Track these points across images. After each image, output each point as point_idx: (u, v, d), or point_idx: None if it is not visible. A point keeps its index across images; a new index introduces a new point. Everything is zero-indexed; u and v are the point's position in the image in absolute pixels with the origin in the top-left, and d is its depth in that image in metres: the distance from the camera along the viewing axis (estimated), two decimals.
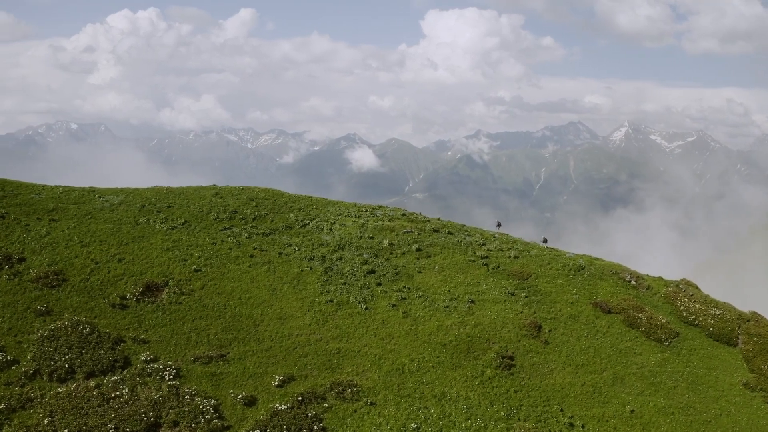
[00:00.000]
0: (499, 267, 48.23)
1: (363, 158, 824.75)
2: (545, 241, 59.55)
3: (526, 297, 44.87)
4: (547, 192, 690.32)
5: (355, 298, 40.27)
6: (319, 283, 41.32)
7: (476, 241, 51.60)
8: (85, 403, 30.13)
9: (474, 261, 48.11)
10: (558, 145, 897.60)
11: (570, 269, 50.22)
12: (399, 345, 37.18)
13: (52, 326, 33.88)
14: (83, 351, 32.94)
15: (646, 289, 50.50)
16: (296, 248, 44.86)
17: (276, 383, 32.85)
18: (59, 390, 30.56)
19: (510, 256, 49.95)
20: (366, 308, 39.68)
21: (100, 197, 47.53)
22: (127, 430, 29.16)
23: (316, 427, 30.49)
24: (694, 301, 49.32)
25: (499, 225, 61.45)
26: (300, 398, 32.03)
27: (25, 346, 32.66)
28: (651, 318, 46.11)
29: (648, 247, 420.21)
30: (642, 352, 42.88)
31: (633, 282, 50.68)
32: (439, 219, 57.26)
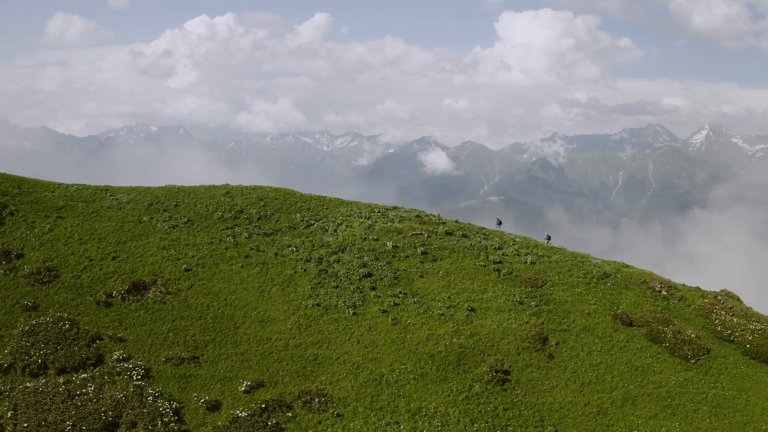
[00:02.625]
0: (511, 273, 45.23)
1: (437, 161, 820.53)
2: (548, 238, 56.01)
3: (536, 306, 41.72)
4: (624, 196, 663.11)
5: (344, 302, 38.65)
6: (310, 286, 39.99)
7: (492, 245, 48.71)
8: (50, 399, 30.11)
9: (485, 266, 45.34)
10: (636, 147, 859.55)
11: (593, 277, 46.46)
12: (382, 354, 35.23)
13: (33, 321, 34.26)
14: (58, 347, 33.08)
15: (679, 300, 45.96)
16: (294, 249, 43.73)
17: (243, 389, 31.76)
18: (28, 385, 30.71)
19: (526, 262, 46.78)
20: (354, 314, 37.97)
21: (111, 196, 48.27)
22: (84, 428, 28.85)
23: None
24: (732, 315, 44.40)
25: (499, 223, 58.01)
26: (264, 406, 30.76)
27: (6, 340, 33.17)
28: (678, 332, 41.80)
29: (724, 252, 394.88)
30: (662, 370, 38.83)
31: (664, 292, 46.28)
32: (457, 221, 54.63)
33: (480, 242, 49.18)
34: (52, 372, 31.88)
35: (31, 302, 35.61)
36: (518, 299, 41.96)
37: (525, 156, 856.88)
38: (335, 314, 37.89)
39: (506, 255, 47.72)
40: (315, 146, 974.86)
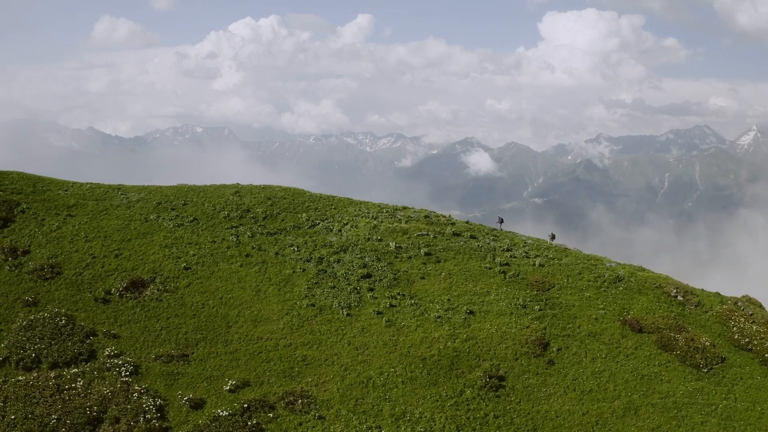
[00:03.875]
0: (518, 275, 43.99)
1: (480, 162, 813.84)
2: (553, 237, 54.33)
3: (540, 310, 40.42)
4: (670, 198, 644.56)
5: (339, 303, 38.22)
6: (307, 286, 39.72)
7: (501, 247, 47.48)
8: (39, 393, 30.66)
9: (490, 268, 44.21)
10: (683, 149, 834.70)
11: (604, 281, 44.79)
12: (372, 356, 34.64)
13: (32, 317, 34.96)
14: (53, 342, 33.67)
15: (695, 305, 43.87)
16: (296, 249, 43.56)
17: (228, 388, 31.68)
18: (20, 378, 31.30)
19: (534, 264, 45.43)
20: (348, 314, 37.50)
21: (122, 194, 49.09)
22: (69, 422, 29.25)
23: None
24: (752, 322, 42.08)
25: (501, 221, 56.43)
26: (246, 405, 30.59)
27: (5, 334, 33.91)
28: (691, 340, 39.86)
29: None
30: (671, 379, 37.06)
31: (680, 297, 44.24)
32: (467, 222, 53.55)
33: (489, 243, 48.03)
34: (44, 366, 32.45)
35: (32, 298, 36.38)
36: (521, 302, 40.75)
37: (569, 157, 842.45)
38: (329, 315, 37.51)
39: (515, 257, 46.46)
40: (358, 147, 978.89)
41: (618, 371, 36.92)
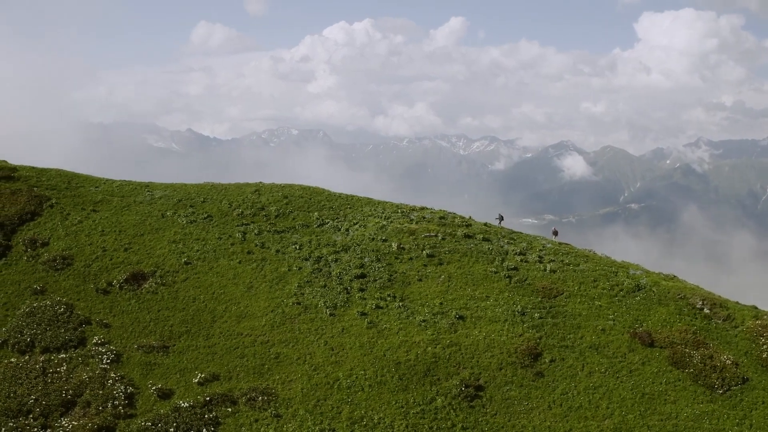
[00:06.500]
0: (525, 281, 41.80)
1: (574, 166, 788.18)
2: (555, 233, 51.89)
3: (540, 318, 38.16)
4: None
5: (325, 302, 37.90)
6: (297, 284, 39.71)
7: (514, 250, 45.28)
8: (26, 375, 32.63)
9: (496, 272, 42.28)
10: None
11: (621, 289, 41.61)
12: (346, 357, 34.04)
13: (35, 304, 37.20)
14: (48, 328, 35.71)
15: (724, 319, 39.77)
16: (298, 247, 43.69)
17: (197, 380, 32.24)
18: (12, 360, 33.36)
19: (545, 269, 42.95)
20: (331, 314, 37.09)
21: (148, 191, 51.28)
22: (44, 402, 30.89)
23: (204, 430, 29.20)
24: None
25: (501, 219, 53.42)
26: (209, 398, 30.98)
27: (10, 319, 36.35)
28: (709, 357, 36.20)
29: None
30: (677, 399, 33.81)
31: (706, 309, 40.29)
32: (486, 224, 51.50)
33: (502, 247, 45.97)
34: (37, 350, 34.48)
35: (40, 286, 38.77)
36: (520, 309, 38.65)
37: (668, 162, 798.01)
38: (313, 314, 37.30)
39: (526, 261, 44.17)
40: (451, 150, 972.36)
41: (616, 388, 34.15)
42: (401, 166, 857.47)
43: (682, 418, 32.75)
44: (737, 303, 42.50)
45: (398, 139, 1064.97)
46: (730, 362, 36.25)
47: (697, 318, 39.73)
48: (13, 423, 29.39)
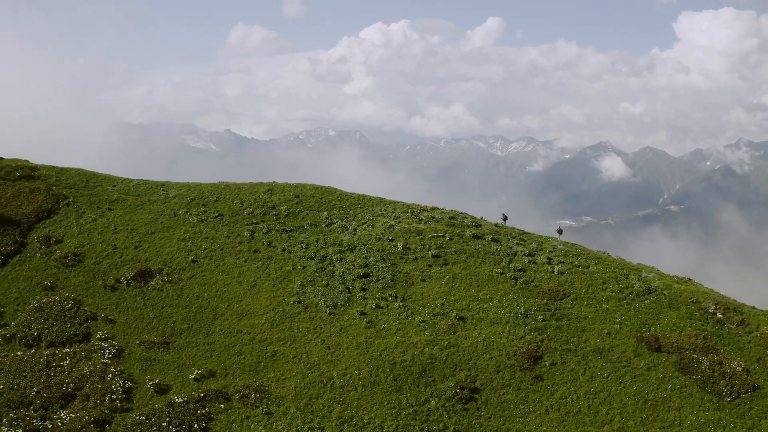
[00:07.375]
0: (531, 282, 41.09)
1: (613, 167, 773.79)
2: (560, 232, 51.58)
3: (543, 320, 37.45)
4: None
5: (326, 301, 37.95)
6: (300, 283, 39.84)
7: (523, 252, 44.57)
8: (30, 368, 33.56)
9: (502, 273, 41.67)
10: None
11: (630, 292, 40.54)
12: (341, 356, 34.01)
13: (44, 299, 38.21)
14: (55, 323, 36.62)
15: (738, 324, 38.36)
16: (304, 246, 43.87)
17: (194, 376, 32.64)
18: (19, 353, 34.33)
19: (553, 271, 42.13)
20: (330, 314, 37.11)
21: (163, 191, 52.17)
22: (45, 395, 31.68)
23: (196, 426, 29.55)
24: None
25: (505, 219, 52.38)
26: (203, 394, 31.33)
27: (20, 313, 37.39)
28: (719, 363, 34.96)
29: None
30: (682, 406, 32.75)
31: (719, 314, 38.93)
32: (496, 225, 50.77)
33: (511, 248, 45.29)
34: (43, 344, 35.40)
35: (51, 282, 39.82)
36: (523, 311, 38.01)
37: (708, 163, 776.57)
38: (312, 313, 37.38)
39: (534, 263, 43.41)
40: (489, 151, 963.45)
41: (618, 393, 33.27)
42: (437, 167, 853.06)
43: (686, 425, 31.70)
44: (753, 308, 40.97)
45: (435, 139, 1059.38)
46: (740, 369, 34.95)
47: (708, 322, 38.45)
48: (14, 414, 30.22)
